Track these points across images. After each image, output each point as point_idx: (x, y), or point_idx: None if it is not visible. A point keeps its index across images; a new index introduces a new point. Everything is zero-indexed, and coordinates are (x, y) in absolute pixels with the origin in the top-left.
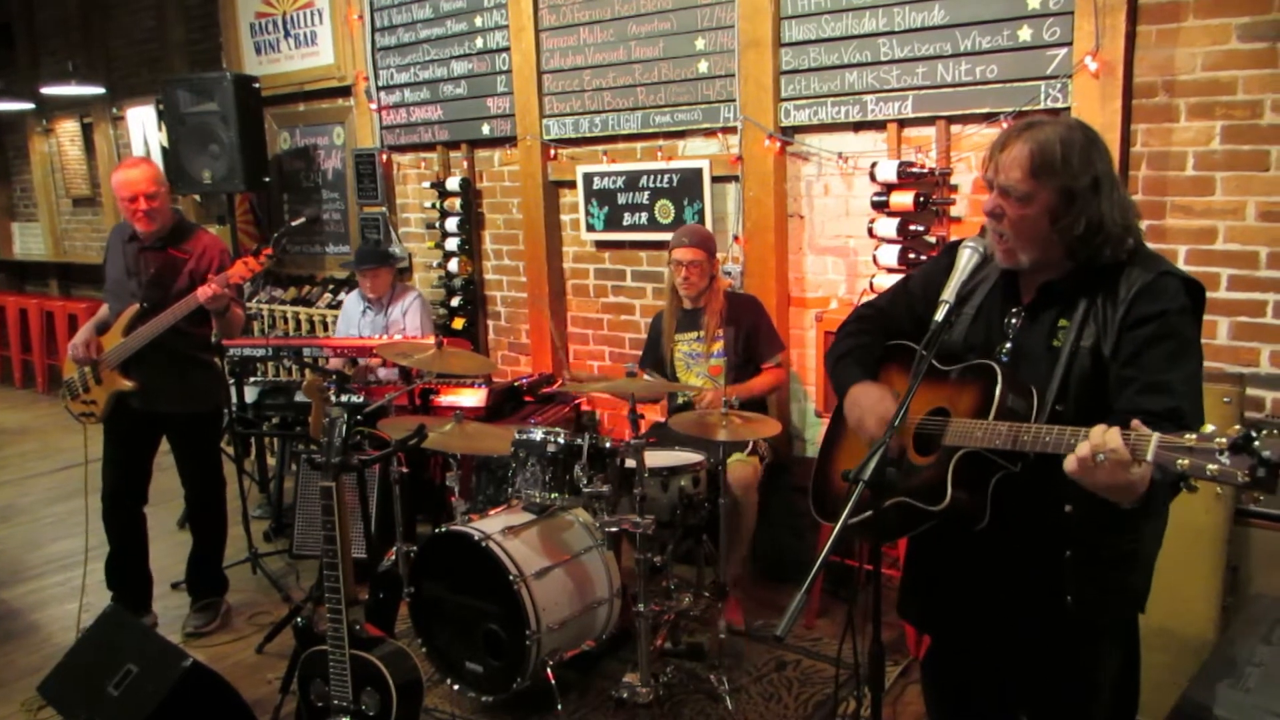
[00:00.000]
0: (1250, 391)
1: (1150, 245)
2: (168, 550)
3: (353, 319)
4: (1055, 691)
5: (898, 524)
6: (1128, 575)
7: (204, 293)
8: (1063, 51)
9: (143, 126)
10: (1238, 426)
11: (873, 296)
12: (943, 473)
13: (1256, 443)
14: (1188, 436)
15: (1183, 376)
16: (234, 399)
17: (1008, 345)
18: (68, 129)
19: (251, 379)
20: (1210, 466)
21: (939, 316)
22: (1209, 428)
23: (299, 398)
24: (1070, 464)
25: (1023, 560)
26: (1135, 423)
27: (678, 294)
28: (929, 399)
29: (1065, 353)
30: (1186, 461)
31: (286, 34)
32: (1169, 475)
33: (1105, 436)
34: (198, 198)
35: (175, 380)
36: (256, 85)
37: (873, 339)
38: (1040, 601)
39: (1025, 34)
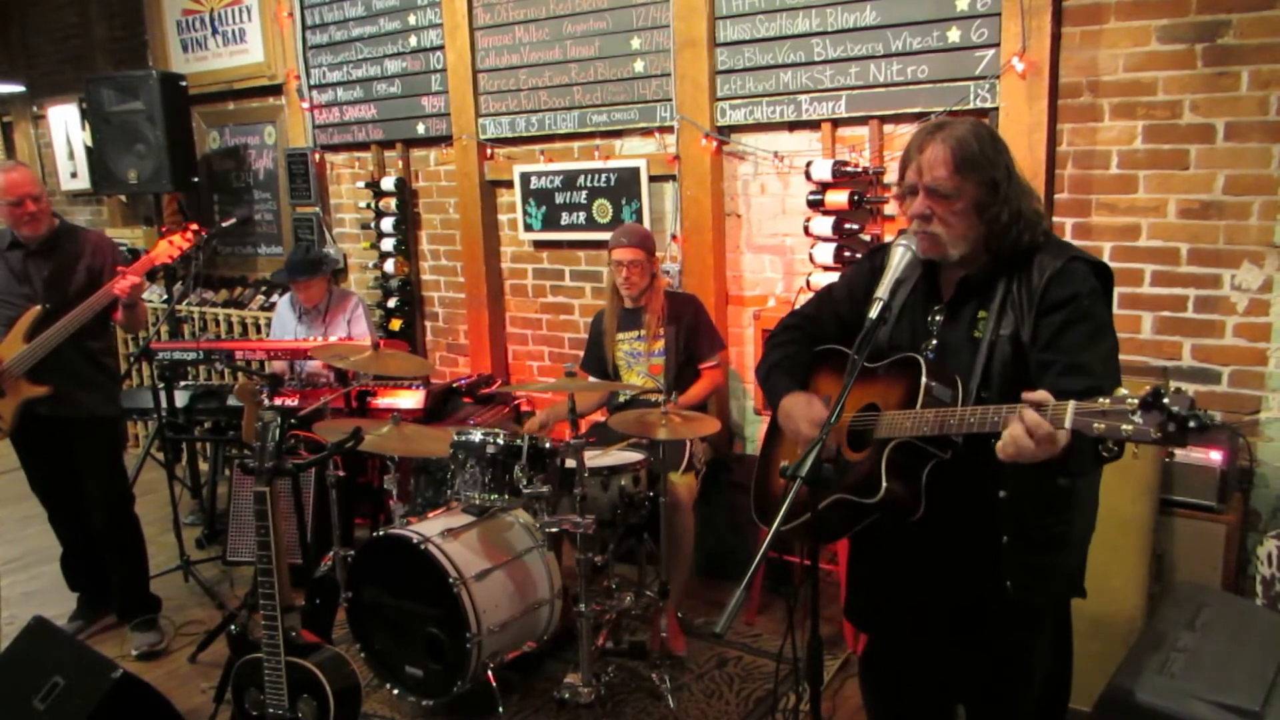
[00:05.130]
0: (1173, 385)
1: (1076, 242)
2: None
3: (287, 323)
4: (991, 681)
5: (838, 522)
6: (1061, 558)
7: (122, 286)
8: (991, 52)
9: (65, 125)
10: (1147, 386)
11: (798, 306)
12: (876, 465)
13: (1166, 399)
14: (1101, 401)
15: (1100, 357)
16: (164, 403)
17: (933, 342)
18: None
19: (182, 383)
20: (1124, 426)
21: (873, 314)
22: (1121, 391)
23: (231, 401)
24: (1001, 449)
25: (960, 549)
26: (1042, 394)
27: (618, 293)
28: (860, 397)
29: (985, 342)
30: (1102, 425)
31: (214, 31)
32: (1088, 439)
33: (1020, 429)
34: (124, 198)
35: (84, 383)
36: (184, 83)
37: (800, 347)
38: (979, 589)
39: (954, 35)
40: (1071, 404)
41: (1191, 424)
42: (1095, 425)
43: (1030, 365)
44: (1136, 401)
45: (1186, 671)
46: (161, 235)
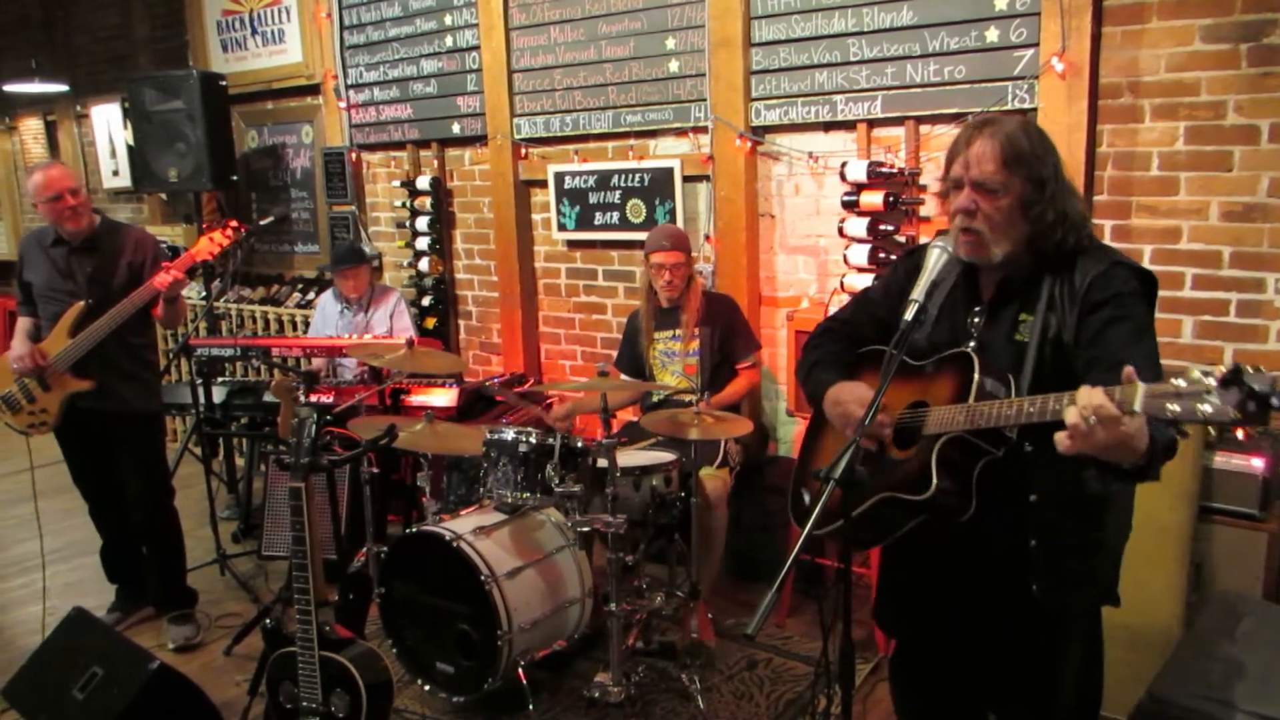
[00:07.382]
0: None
1: (1116, 245)
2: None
3: (330, 318)
4: (1021, 687)
5: (885, 523)
6: (1092, 565)
7: (163, 280)
8: (1029, 52)
9: (107, 124)
10: (1222, 367)
11: (834, 311)
12: (926, 461)
13: (1245, 376)
14: (1174, 382)
15: (1144, 353)
16: (202, 399)
17: (972, 343)
18: (31, 127)
19: (219, 379)
20: (1201, 407)
21: (908, 315)
22: (1195, 372)
23: (268, 398)
24: (1063, 440)
25: (991, 553)
26: (1129, 371)
27: (653, 293)
28: (905, 394)
29: (1034, 345)
30: (1177, 407)
31: (254, 31)
32: (1160, 425)
33: (1089, 396)
34: (164, 196)
35: (126, 377)
36: (223, 83)
37: (841, 347)
38: (1007, 593)
39: (993, 35)
40: (1141, 386)
41: (1274, 401)
42: (1169, 407)
43: (1074, 366)
44: (1214, 380)
45: (1226, 682)
46: (202, 232)
